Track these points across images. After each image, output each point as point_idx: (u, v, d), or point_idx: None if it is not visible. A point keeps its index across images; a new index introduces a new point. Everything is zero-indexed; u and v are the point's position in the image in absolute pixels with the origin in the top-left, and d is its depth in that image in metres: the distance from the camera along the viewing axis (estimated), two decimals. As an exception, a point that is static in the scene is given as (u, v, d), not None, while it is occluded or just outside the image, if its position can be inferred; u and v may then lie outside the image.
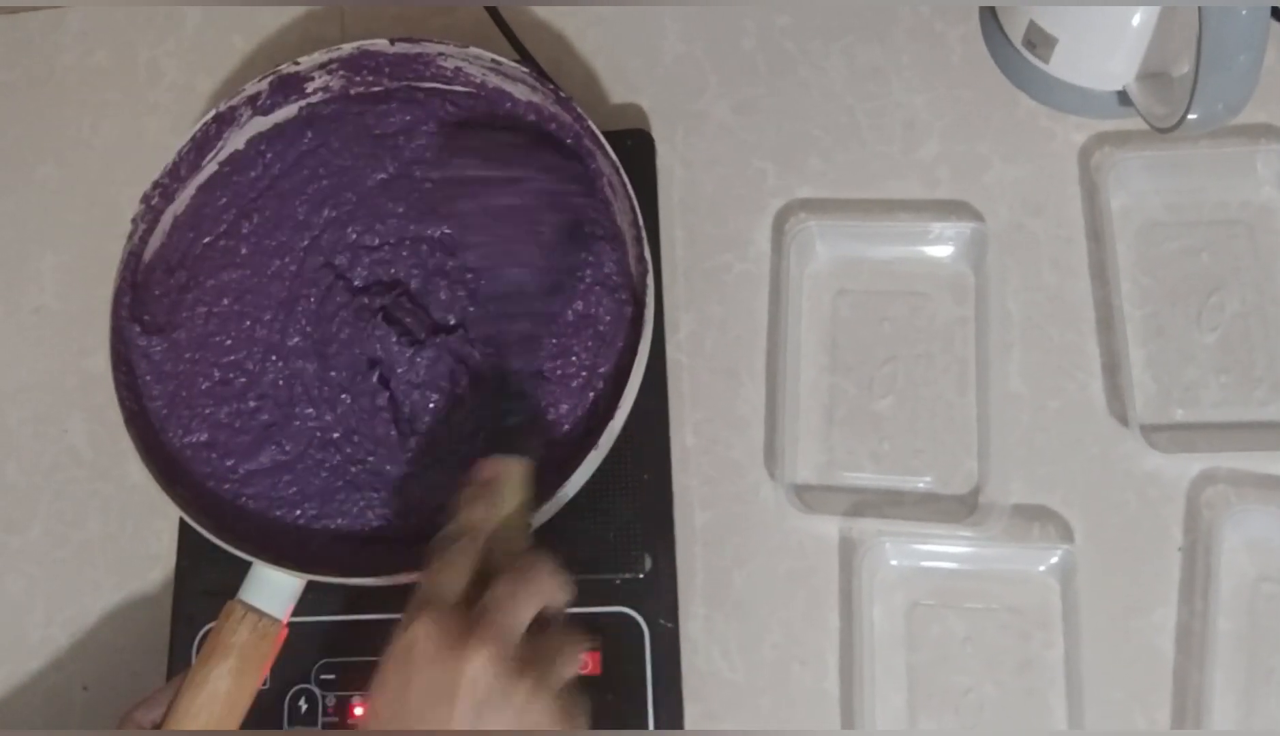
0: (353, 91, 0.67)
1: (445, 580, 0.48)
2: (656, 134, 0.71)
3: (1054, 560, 0.61)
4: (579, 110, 0.62)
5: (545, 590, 0.49)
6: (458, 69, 0.65)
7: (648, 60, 0.74)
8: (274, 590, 0.55)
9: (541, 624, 0.48)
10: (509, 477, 0.53)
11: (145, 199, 0.63)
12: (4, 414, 0.71)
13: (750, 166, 0.71)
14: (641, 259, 0.59)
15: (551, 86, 0.62)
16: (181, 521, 0.58)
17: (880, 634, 0.61)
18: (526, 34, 0.71)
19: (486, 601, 0.47)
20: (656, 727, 0.59)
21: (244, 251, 0.64)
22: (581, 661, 0.51)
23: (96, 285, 0.62)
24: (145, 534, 0.67)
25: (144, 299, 0.63)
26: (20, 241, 0.75)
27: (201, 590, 0.63)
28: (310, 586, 0.57)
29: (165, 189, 0.64)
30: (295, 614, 0.56)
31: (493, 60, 0.63)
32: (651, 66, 0.74)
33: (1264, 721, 0.58)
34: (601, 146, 0.61)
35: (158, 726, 0.54)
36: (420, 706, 0.46)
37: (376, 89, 0.67)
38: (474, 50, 0.64)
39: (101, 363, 0.60)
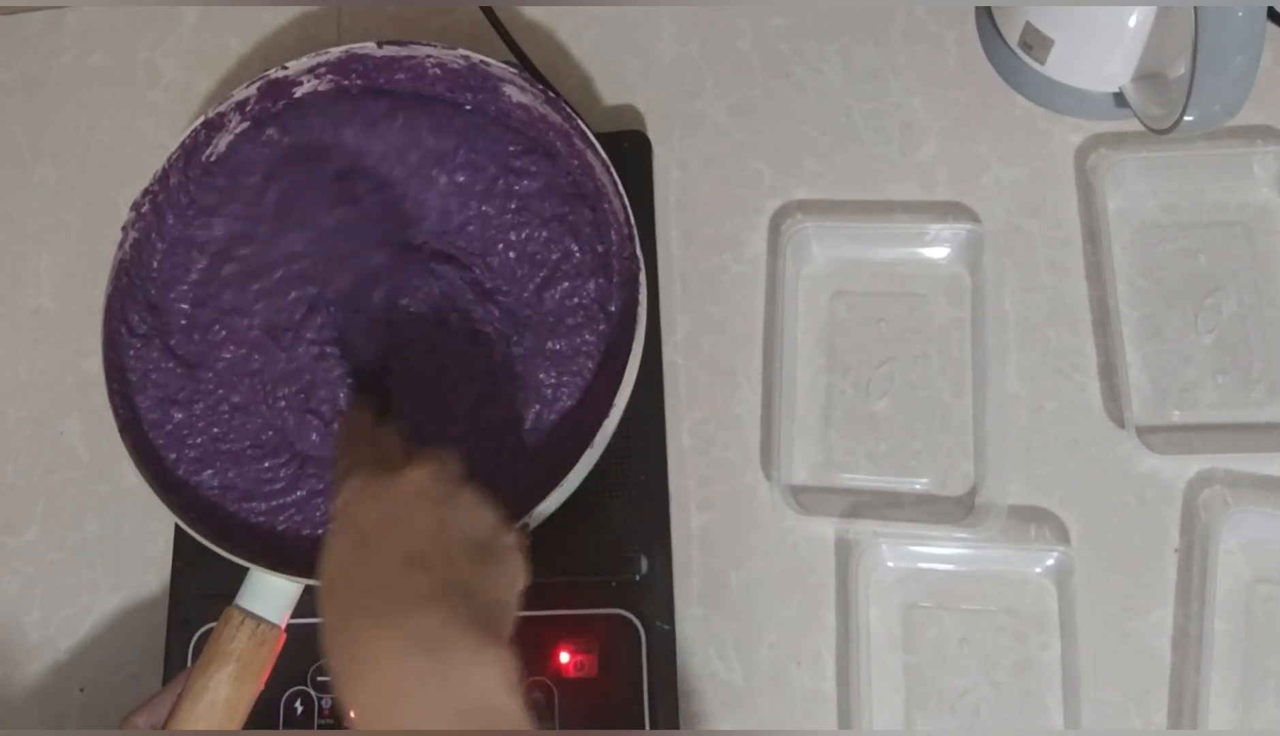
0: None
1: (352, 457, 0.51)
2: (653, 135, 0.71)
3: (1050, 561, 0.61)
4: (568, 109, 0.62)
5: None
6: (447, 70, 0.65)
7: (644, 61, 0.74)
8: (272, 596, 0.55)
9: None
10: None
11: (135, 207, 0.63)
12: (1, 414, 0.71)
13: (747, 168, 0.71)
14: (634, 256, 0.59)
15: (540, 87, 0.62)
16: (178, 524, 0.58)
17: (877, 635, 0.61)
18: (522, 35, 0.71)
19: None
20: (653, 728, 0.59)
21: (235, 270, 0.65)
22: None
23: (94, 286, 0.62)
24: (142, 536, 0.67)
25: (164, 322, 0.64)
26: (18, 242, 0.75)
27: (198, 592, 0.63)
28: (307, 589, 0.56)
29: (155, 197, 0.64)
30: (292, 616, 0.56)
31: (481, 61, 0.63)
32: (647, 68, 0.74)
33: (1260, 722, 0.58)
34: (592, 145, 0.61)
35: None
36: (374, 524, 0.46)
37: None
38: (462, 51, 0.63)
39: (99, 364, 0.60)
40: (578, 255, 0.62)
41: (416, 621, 0.43)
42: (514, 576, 0.48)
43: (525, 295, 0.62)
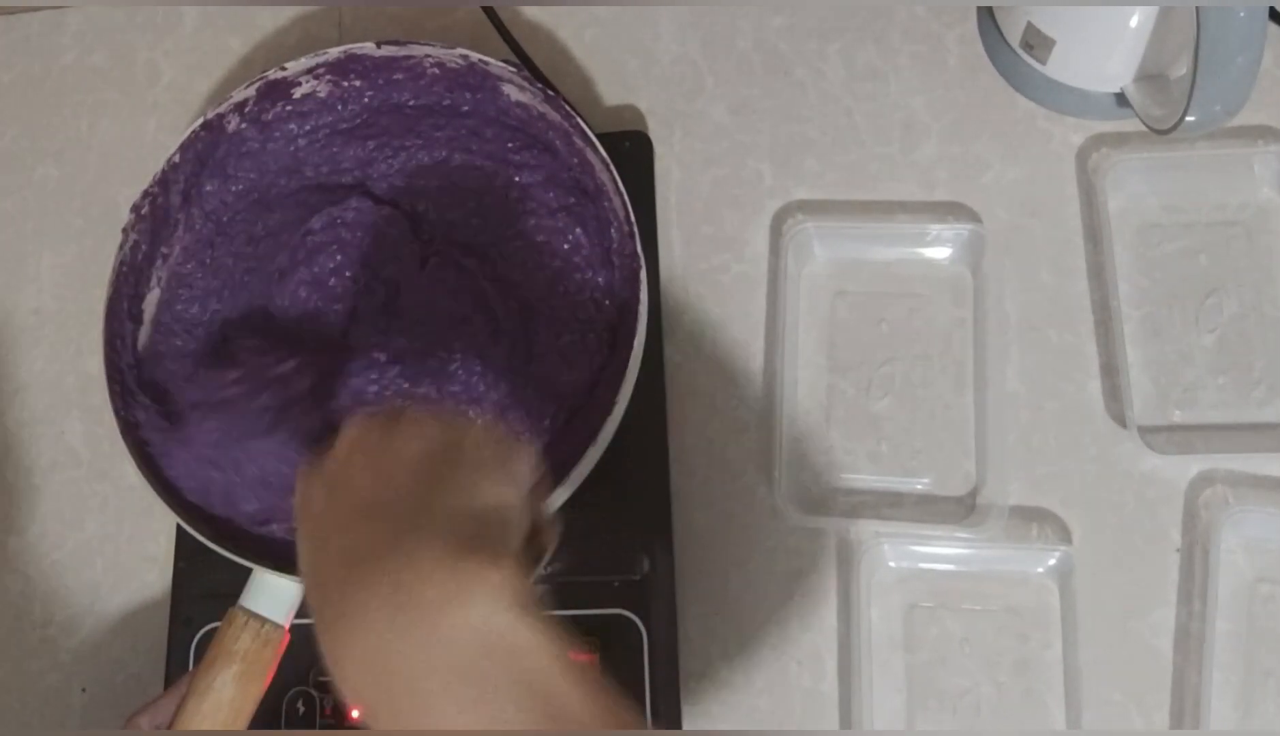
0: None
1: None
2: (653, 135, 0.71)
3: (1052, 561, 0.61)
4: (567, 108, 0.62)
5: None
6: (445, 70, 0.65)
7: (644, 61, 0.74)
8: (275, 596, 0.55)
9: None
10: None
11: (135, 209, 0.63)
12: (2, 414, 0.71)
13: (747, 168, 0.71)
14: (635, 254, 0.59)
15: (539, 86, 0.62)
16: (179, 523, 0.58)
17: (878, 635, 0.61)
18: (523, 35, 0.71)
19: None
20: (654, 728, 0.59)
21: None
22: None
23: (94, 286, 0.62)
24: (143, 535, 0.67)
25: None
26: (19, 241, 0.75)
27: (200, 592, 0.63)
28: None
29: (155, 198, 0.64)
30: (294, 616, 0.56)
31: (480, 60, 0.63)
32: (648, 68, 0.74)
33: (1261, 721, 0.58)
34: (591, 143, 0.61)
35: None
36: (339, 478, 0.41)
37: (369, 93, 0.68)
38: (461, 50, 0.63)
39: (100, 364, 0.60)
40: (586, 248, 0.62)
41: (381, 573, 0.37)
42: (513, 477, 0.42)
43: (537, 286, 0.62)
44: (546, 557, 0.46)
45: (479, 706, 0.36)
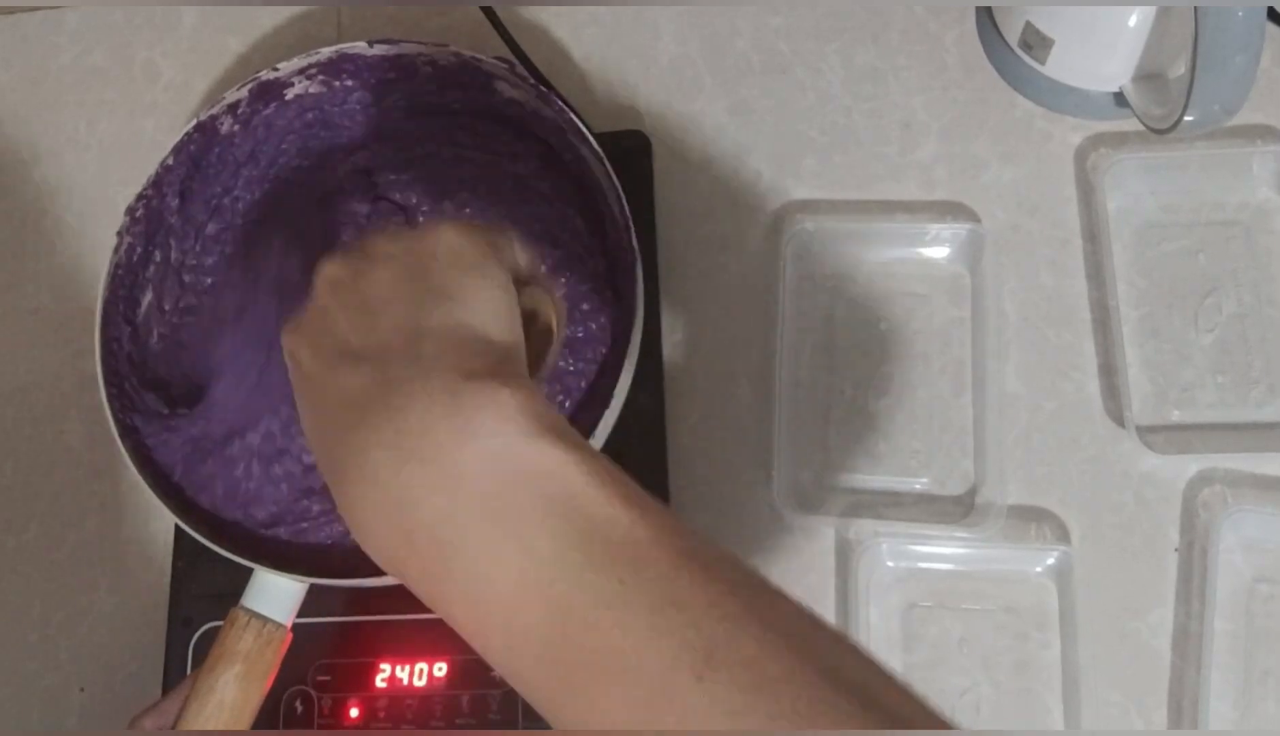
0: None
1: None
2: (652, 135, 0.71)
3: (1050, 561, 0.61)
4: (560, 103, 0.62)
5: None
6: (438, 68, 0.65)
7: (643, 61, 0.74)
8: (277, 596, 0.55)
9: None
10: None
11: (129, 212, 0.63)
12: (1, 414, 0.71)
13: (746, 167, 0.71)
14: (631, 248, 0.59)
15: (532, 82, 0.62)
16: (179, 523, 0.58)
17: (877, 634, 0.61)
18: (522, 35, 0.70)
19: None
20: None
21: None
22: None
23: (93, 286, 0.62)
24: (142, 535, 0.67)
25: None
26: (17, 241, 0.75)
27: (198, 592, 0.63)
28: (312, 589, 0.56)
29: (149, 201, 0.64)
30: (296, 615, 0.56)
31: (472, 57, 0.63)
32: (647, 67, 0.74)
33: (1260, 722, 0.58)
34: (586, 140, 0.61)
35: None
36: (314, 321, 0.39)
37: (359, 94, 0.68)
38: (453, 48, 0.63)
39: (98, 363, 0.60)
40: (585, 238, 0.62)
41: (382, 421, 0.34)
42: (498, 271, 0.39)
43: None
44: (559, 340, 0.43)
45: (506, 544, 0.33)
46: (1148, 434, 0.62)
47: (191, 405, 0.61)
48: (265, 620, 0.54)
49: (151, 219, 0.64)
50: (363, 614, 0.61)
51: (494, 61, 0.63)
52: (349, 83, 0.67)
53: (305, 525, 0.59)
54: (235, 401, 0.60)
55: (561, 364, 0.61)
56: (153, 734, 0.55)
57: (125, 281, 0.63)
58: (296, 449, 0.59)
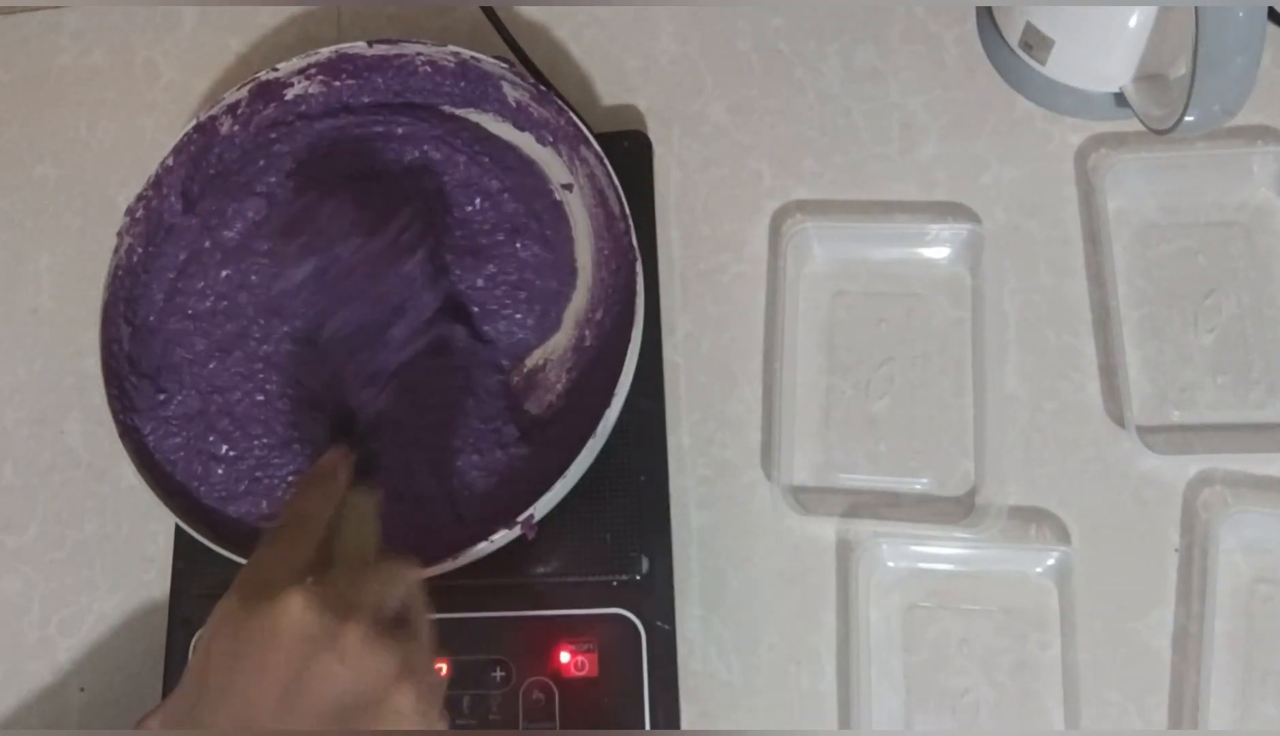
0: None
1: (263, 556, 0.43)
2: (653, 135, 0.71)
3: (1050, 561, 0.61)
4: (560, 103, 0.62)
5: (388, 576, 0.43)
6: (437, 67, 0.65)
7: (644, 61, 0.74)
8: None
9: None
10: (349, 484, 0.50)
11: (129, 212, 0.63)
12: (1, 414, 0.71)
13: (746, 168, 0.71)
14: (631, 248, 0.59)
15: (531, 82, 0.62)
16: (178, 524, 0.58)
17: (877, 635, 0.61)
18: (522, 35, 0.71)
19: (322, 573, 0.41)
20: (653, 728, 0.59)
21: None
22: (419, 597, 0.44)
23: (93, 286, 0.62)
24: (142, 535, 0.67)
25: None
26: (17, 241, 0.75)
27: (198, 592, 0.63)
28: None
29: (149, 202, 0.63)
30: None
31: (472, 57, 0.63)
32: (647, 68, 0.74)
33: (1260, 722, 0.58)
34: (586, 139, 0.61)
35: None
36: (228, 662, 0.39)
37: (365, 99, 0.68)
38: (452, 48, 0.63)
39: (99, 364, 0.60)
40: (584, 235, 0.63)
41: None
42: None
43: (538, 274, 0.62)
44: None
45: None
46: (1148, 434, 0.62)
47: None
48: None
49: (151, 219, 0.64)
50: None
51: (493, 61, 0.63)
52: (349, 82, 0.67)
53: None
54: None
55: (562, 363, 0.61)
56: (159, 733, 0.55)
57: (125, 282, 0.63)
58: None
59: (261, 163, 0.66)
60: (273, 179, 0.65)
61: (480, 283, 0.63)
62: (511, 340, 0.63)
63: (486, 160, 0.65)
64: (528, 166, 0.66)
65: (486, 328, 0.62)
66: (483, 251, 0.63)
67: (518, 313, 0.63)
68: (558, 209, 0.65)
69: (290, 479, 0.61)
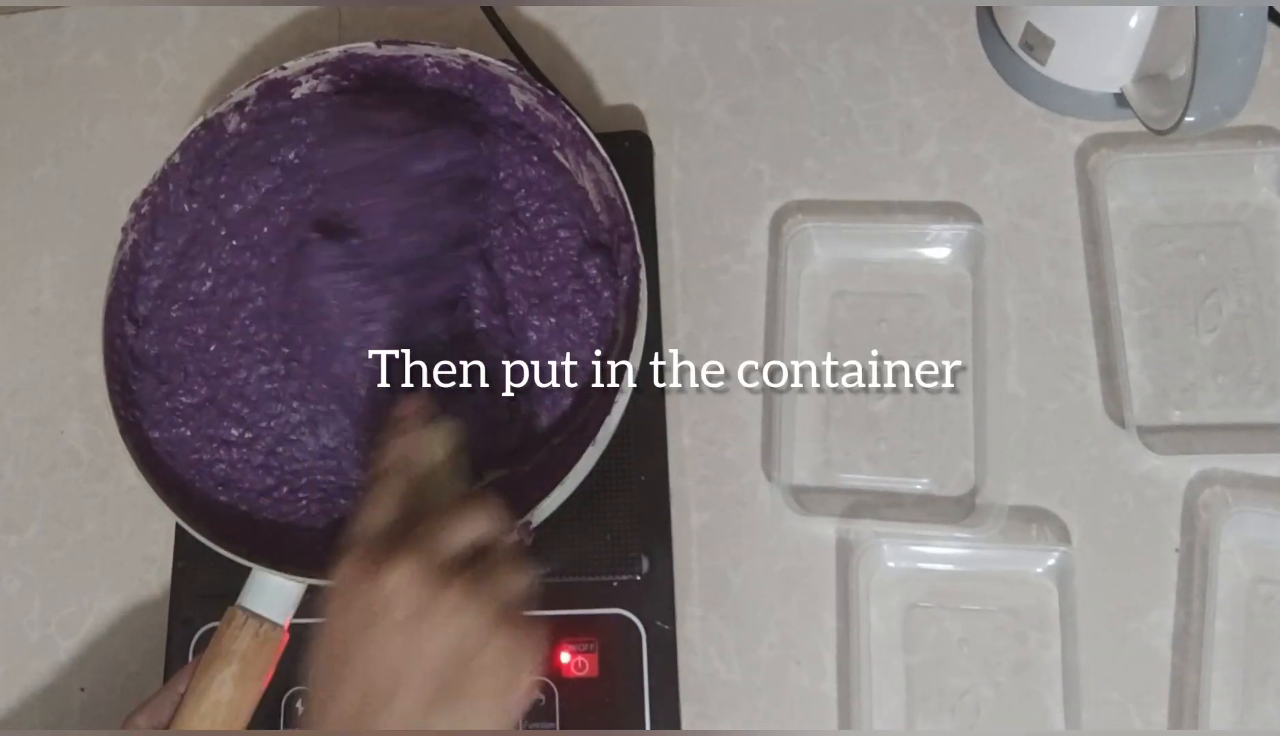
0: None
1: (368, 519, 0.47)
2: (653, 135, 0.71)
3: (1051, 561, 0.61)
4: (567, 107, 0.62)
5: (479, 520, 0.47)
6: (445, 70, 0.65)
7: (644, 61, 0.74)
8: (275, 596, 0.55)
9: (483, 553, 0.47)
10: (432, 422, 0.52)
11: (135, 208, 0.63)
12: (1, 414, 0.71)
13: (747, 168, 0.71)
14: (635, 254, 0.59)
15: (539, 86, 0.62)
16: (179, 523, 0.58)
17: (877, 635, 0.61)
18: (523, 35, 0.71)
19: (414, 530, 0.46)
20: (653, 728, 0.59)
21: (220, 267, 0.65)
22: (528, 580, 0.48)
23: (94, 286, 0.62)
24: (142, 535, 0.67)
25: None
26: (18, 241, 0.75)
27: (199, 592, 0.63)
28: (310, 588, 0.56)
29: (155, 198, 0.63)
30: (294, 616, 0.56)
31: (480, 59, 0.63)
32: (648, 68, 0.74)
33: (1260, 722, 0.58)
34: (591, 143, 0.61)
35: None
36: (349, 635, 0.44)
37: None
38: (461, 50, 0.63)
39: (99, 364, 0.60)
40: (586, 233, 0.62)
41: None
42: (501, 687, 0.45)
43: (538, 275, 0.62)
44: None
45: None
46: (1148, 434, 0.62)
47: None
48: (262, 620, 0.55)
49: (157, 215, 0.64)
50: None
51: (501, 64, 0.63)
52: (357, 83, 0.66)
53: (303, 497, 0.60)
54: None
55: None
56: (148, 733, 0.55)
57: (130, 277, 0.63)
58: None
59: (279, 135, 0.65)
60: (290, 154, 0.65)
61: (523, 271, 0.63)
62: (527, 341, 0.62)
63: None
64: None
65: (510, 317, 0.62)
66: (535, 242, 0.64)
67: (535, 317, 0.63)
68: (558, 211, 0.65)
69: (283, 487, 0.61)
